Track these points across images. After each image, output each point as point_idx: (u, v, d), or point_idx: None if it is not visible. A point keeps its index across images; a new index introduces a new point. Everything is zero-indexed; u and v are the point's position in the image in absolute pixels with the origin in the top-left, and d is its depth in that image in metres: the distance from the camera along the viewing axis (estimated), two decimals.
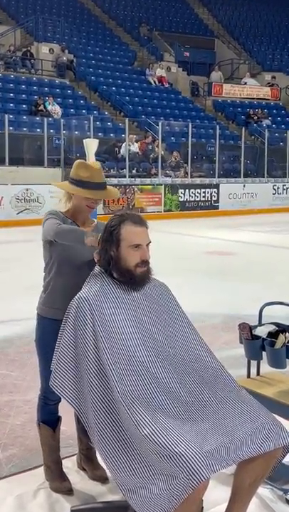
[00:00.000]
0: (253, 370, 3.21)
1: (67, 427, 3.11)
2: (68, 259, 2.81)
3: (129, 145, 18.50)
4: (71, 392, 2.50)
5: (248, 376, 3.20)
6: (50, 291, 2.89)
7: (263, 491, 2.89)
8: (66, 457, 3.19)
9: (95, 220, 3.03)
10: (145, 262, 2.57)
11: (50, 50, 23.15)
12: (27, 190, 15.22)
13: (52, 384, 2.54)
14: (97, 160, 15.78)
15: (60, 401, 2.99)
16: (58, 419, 3.05)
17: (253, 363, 3.19)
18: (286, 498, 2.87)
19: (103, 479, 3.02)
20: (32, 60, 22.41)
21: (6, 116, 16.83)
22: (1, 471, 3.18)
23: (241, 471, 2.38)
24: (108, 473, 2.88)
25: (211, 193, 18.98)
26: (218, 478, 2.96)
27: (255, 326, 3.10)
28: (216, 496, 2.78)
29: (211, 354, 2.61)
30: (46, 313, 2.90)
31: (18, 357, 5.02)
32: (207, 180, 19.54)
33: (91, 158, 15.33)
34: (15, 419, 3.82)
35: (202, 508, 2.45)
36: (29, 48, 22.58)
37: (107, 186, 2.94)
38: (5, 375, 4.61)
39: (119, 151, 18.52)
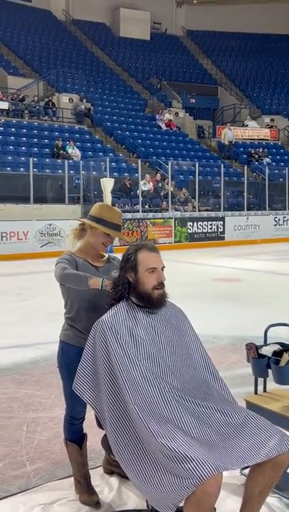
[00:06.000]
0: (260, 388, 3.19)
1: (89, 442, 3.08)
2: (83, 296, 2.80)
3: (145, 184, 18.67)
4: (90, 394, 2.56)
5: (256, 392, 3.18)
6: (73, 323, 2.87)
7: (271, 499, 2.84)
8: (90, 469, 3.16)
9: (106, 254, 3.04)
10: (161, 284, 2.60)
11: (69, 100, 23.56)
12: (50, 225, 15.38)
13: (74, 387, 2.59)
14: (113, 197, 15.97)
15: (84, 420, 2.99)
16: (84, 436, 3.01)
17: (260, 380, 3.17)
18: None
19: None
20: (54, 109, 22.86)
21: (31, 159, 17.11)
22: (29, 482, 3.16)
23: (251, 481, 2.36)
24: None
25: (217, 225, 19.03)
26: (230, 489, 2.93)
27: (261, 346, 3.09)
28: (229, 506, 2.75)
29: (217, 379, 2.61)
30: (70, 340, 2.87)
31: (43, 377, 5.01)
32: (213, 214, 19.58)
33: (108, 196, 15.48)
34: (41, 434, 3.80)
35: None
36: (51, 98, 23.07)
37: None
38: (31, 394, 4.59)
39: (135, 187, 18.67)
